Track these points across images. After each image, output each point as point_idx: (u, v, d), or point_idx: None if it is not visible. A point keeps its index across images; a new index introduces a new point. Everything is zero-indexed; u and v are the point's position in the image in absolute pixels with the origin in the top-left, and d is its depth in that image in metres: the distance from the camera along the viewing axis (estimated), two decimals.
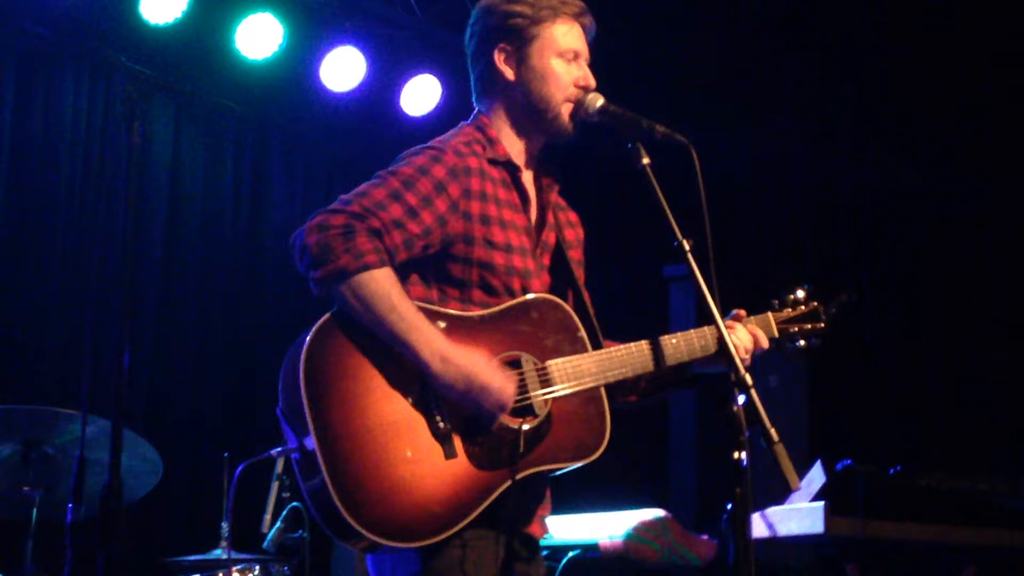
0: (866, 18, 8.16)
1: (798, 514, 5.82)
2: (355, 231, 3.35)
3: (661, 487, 8.64)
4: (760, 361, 3.82)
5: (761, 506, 5.91)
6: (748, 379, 3.33)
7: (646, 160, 3.58)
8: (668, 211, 3.50)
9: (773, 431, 3.21)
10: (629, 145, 3.60)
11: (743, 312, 3.84)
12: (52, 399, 5.77)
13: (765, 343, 3.81)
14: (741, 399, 3.31)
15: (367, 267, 3.33)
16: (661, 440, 8.76)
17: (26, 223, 7.22)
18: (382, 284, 3.34)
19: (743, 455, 3.22)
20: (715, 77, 8.77)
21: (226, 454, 5.62)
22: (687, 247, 3.44)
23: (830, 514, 5.74)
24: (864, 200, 9.07)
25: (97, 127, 7.54)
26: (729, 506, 3.19)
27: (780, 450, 3.20)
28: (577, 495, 4.98)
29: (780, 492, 5.80)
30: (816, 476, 5.95)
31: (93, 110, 7.55)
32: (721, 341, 3.42)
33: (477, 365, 3.35)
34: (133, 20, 7.23)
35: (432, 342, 3.33)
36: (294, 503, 5.46)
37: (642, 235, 8.47)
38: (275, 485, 5.44)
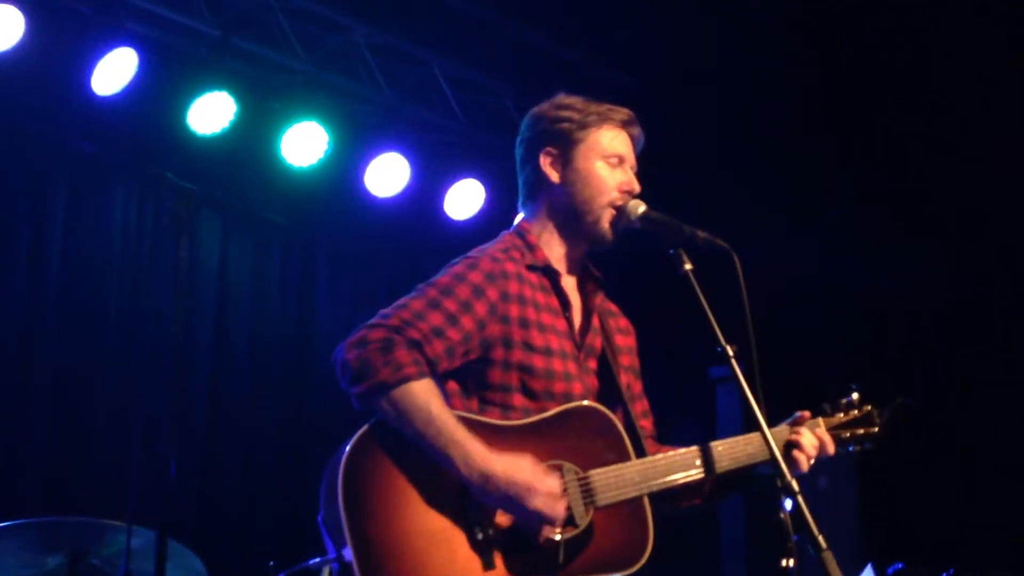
0: (915, 115, 8.18)
1: None
2: (394, 344, 3.36)
3: None
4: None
5: None
6: (795, 484, 3.31)
7: (688, 266, 3.60)
8: (711, 316, 3.50)
9: (821, 538, 3.18)
10: (671, 251, 3.62)
11: (807, 414, 3.81)
12: (99, 510, 5.78)
13: (831, 449, 3.78)
14: (788, 504, 3.28)
15: (406, 379, 3.33)
16: (712, 545, 8.67)
17: (75, 334, 7.28)
18: (420, 396, 3.34)
19: (791, 562, 3.19)
20: (758, 175, 8.80)
21: (272, 563, 5.59)
22: (731, 352, 3.44)
23: None
24: (915, 298, 9.02)
25: (146, 240, 7.64)
26: None
27: (828, 558, 3.16)
28: None
29: None
30: None
31: (142, 223, 7.66)
32: (769, 448, 3.40)
33: (520, 478, 3.32)
34: (181, 131, 7.34)
35: (471, 457, 3.31)
36: None
37: (688, 335, 8.46)
38: None
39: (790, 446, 3.71)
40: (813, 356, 8.71)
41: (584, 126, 3.78)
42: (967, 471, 8.58)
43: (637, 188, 3.79)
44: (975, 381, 8.70)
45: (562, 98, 3.86)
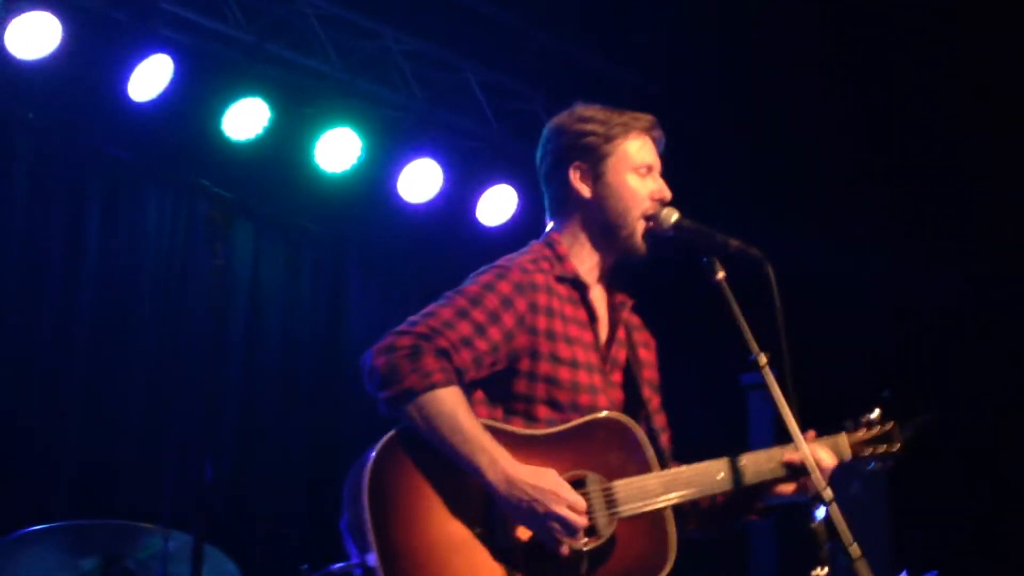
0: (942, 122, 8.13)
1: None
2: (422, 351, 3.37)
3: None
4: (842, 468, 3.76)
5: None
6: (828, 493, 3.30)
7: (721, 274, 3.59)
8: (744, 324, 3.50)
9: (855, 547, 3.17)
10: (704, 259, 3.62)
11: (812, 433, 3.78)
12: (134, 513, 5.81)
13: (831, 464, 3.71)
14: (821, 512, 3.28)
15: (433, 386, 3.35)
16: (741, 554, 8.64)
17: (110, 340, 7.33)
18: (448, 404, 3.36)
19: (824, 572, 3.19)
20: (787, 184, 8.78)
21: (305, 566, 5.60)
22: (763, 361, 3.44)
23: None
24: (946, 308, 8.97)
25: (180, 246, 7.69)
26: None
27: (862, 566, 3.16)
28: None
29: None
30: None
31: (176, 229, 7.70)
32: (803, 454, 3.40)
33: (545, 484, 3.33)
34: (215, 137, 7.38)
35: (497, 463, 3.33)
36: None
37: (719, 342, 8.41)
38: None
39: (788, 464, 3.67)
40: (845, 365, 8.67)
41: (610, 139, 3.76)
42: (1001, 477, 8.53)
43: (668, 195, 3.78)
44: (1010, 388, 8.65)
45: (582, 109, 3.84)
